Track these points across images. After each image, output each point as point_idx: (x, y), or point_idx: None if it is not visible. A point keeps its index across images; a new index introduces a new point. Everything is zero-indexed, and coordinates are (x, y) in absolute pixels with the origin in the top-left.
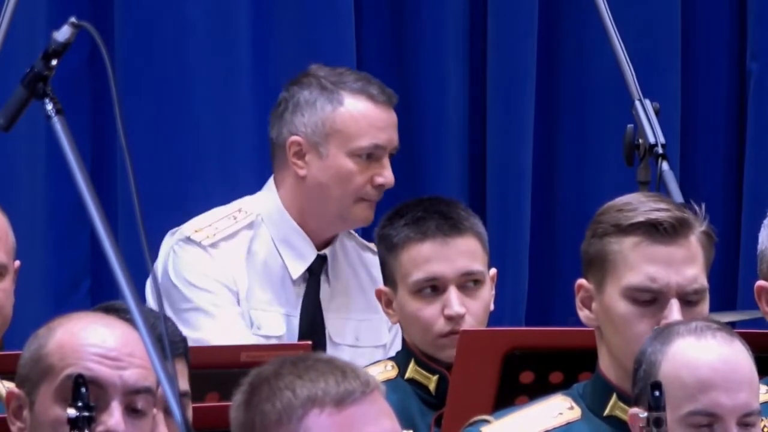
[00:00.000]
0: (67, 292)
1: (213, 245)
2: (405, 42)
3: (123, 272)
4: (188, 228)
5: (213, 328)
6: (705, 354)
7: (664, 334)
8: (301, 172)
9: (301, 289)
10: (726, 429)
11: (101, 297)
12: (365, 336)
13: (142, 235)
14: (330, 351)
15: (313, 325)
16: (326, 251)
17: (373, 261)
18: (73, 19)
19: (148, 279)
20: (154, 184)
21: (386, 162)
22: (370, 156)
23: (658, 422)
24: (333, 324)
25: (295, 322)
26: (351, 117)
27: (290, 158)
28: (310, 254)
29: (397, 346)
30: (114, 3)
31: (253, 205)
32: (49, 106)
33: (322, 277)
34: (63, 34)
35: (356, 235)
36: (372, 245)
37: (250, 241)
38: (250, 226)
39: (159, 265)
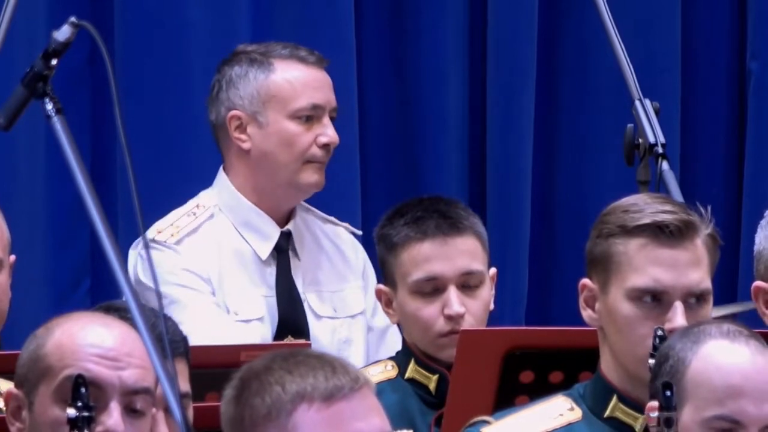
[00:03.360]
0: (67, 292)
1: (178, 242)
2: (405, 42)
3: (123, 272)
4: (151, 232)
5: (190, 317)
6: (738, 360)
7: (695, 332)
8: (245, 146)
9: (273, 269)
10: None
11: (101, 297)
12: (341, 306)
13: (143, 234)
14: (314, 325)
15: (291, 301)
16: (289, 227)
17: (336, 231)
18: (73, 19)
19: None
20: (154, 183)
21: (327, 121)
22: (310, 117)
23: (669, 422)
24: (312, 298)
25: (274, 301)
26: (285, 80)
27: (232, 134)
28: (274, 232)
29: (395, 342)
30: (114, 3)
31: (208, 198)
32: (49, 106)
33: (291, 254)
34: (63, 33)
35: (315, 209)
36: (333, 218)
37: (213, 232)
38: (210, 218)
39: (131, 276)
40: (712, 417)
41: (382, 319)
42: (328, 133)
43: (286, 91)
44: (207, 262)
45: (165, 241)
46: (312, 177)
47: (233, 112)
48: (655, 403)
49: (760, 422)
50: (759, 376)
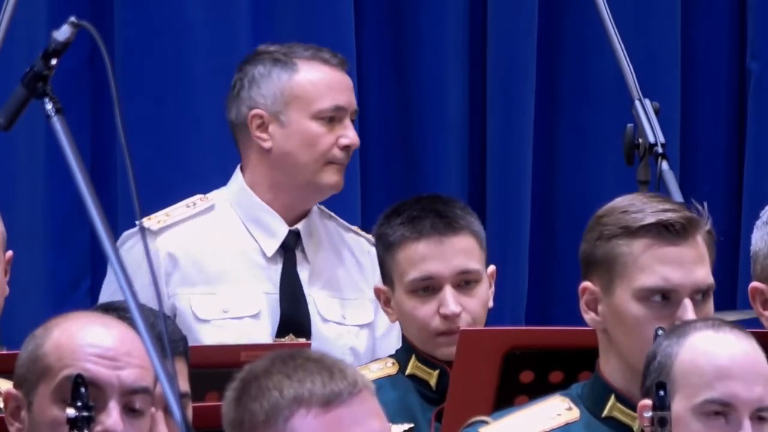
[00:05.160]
0: (67, 292)
1: (159, 230)
2: (405, 42)
3: (122, 272)
4: (146, 218)
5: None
6: (724, 345)
7: (680, 329)
8: (266, 145)
9: (280, 266)
10: (739, 420)
11: None
12: (351, 314)
13: (142, 235)
14: (318, 327)
15: (294, 300)
16: (299, 226)
17: (359, 242)
18: (73, 19)
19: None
20: (154, 183)
21: (349, 123)
22: (332, 119)
23: (663, 422)
24: (320, 301)
25: (276, 298)
26: (309, 81)
27: (253, 133)
28: (282, 230)
29: (394, 341)
30: (114, 3)
31: (219, 193)
32: (49, 106)
33: (300, 254)
34: (63, 33)
35: (337, 217)
36: (355, 228)
37: (211, 225)
38: (209, 210)
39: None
40: (703, 401)
41: (382, 326)
42: (349, 135)
43: (310, 92)
44: (180, 256)
45: (148, 228)
46: (332, 178)
47: (255, 111)
48: (647, 402)
49: (750, 404)
50: (746, 358)
